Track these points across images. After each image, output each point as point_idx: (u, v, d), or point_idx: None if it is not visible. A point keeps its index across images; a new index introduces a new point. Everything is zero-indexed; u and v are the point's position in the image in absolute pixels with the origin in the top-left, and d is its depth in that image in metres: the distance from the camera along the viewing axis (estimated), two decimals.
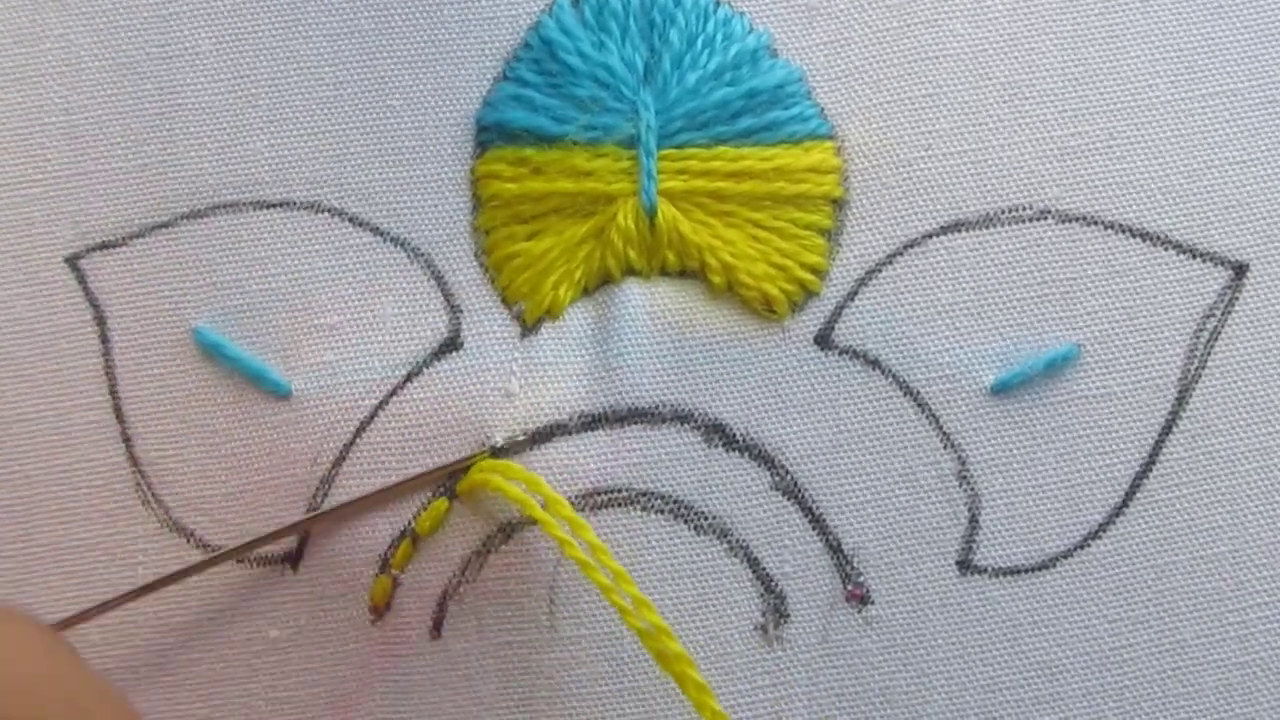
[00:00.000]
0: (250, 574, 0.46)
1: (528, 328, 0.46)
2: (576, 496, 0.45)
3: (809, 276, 0.47)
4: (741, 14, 0.47)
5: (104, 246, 0.47)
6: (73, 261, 0.47)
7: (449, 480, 0.46)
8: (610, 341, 0.46)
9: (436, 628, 0.45)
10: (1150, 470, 0.46)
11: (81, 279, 0.47)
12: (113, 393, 0.47)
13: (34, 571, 0.46)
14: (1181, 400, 0.46)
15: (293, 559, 0.46)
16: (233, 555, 0.44)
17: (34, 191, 0.47)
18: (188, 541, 0.46)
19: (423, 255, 0.47)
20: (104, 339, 0.47)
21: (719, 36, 0.47)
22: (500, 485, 0.44)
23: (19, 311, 0.47)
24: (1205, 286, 0.46)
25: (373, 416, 0.46)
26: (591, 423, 0.46)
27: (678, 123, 0.46)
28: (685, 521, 0.45)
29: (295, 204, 0.47)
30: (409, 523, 0.46)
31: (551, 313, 0.46)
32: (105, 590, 0.46)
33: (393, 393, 0.46)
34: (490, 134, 0.47)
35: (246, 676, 0.46)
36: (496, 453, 0.45)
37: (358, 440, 0.46)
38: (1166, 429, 0.46)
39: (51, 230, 0.47)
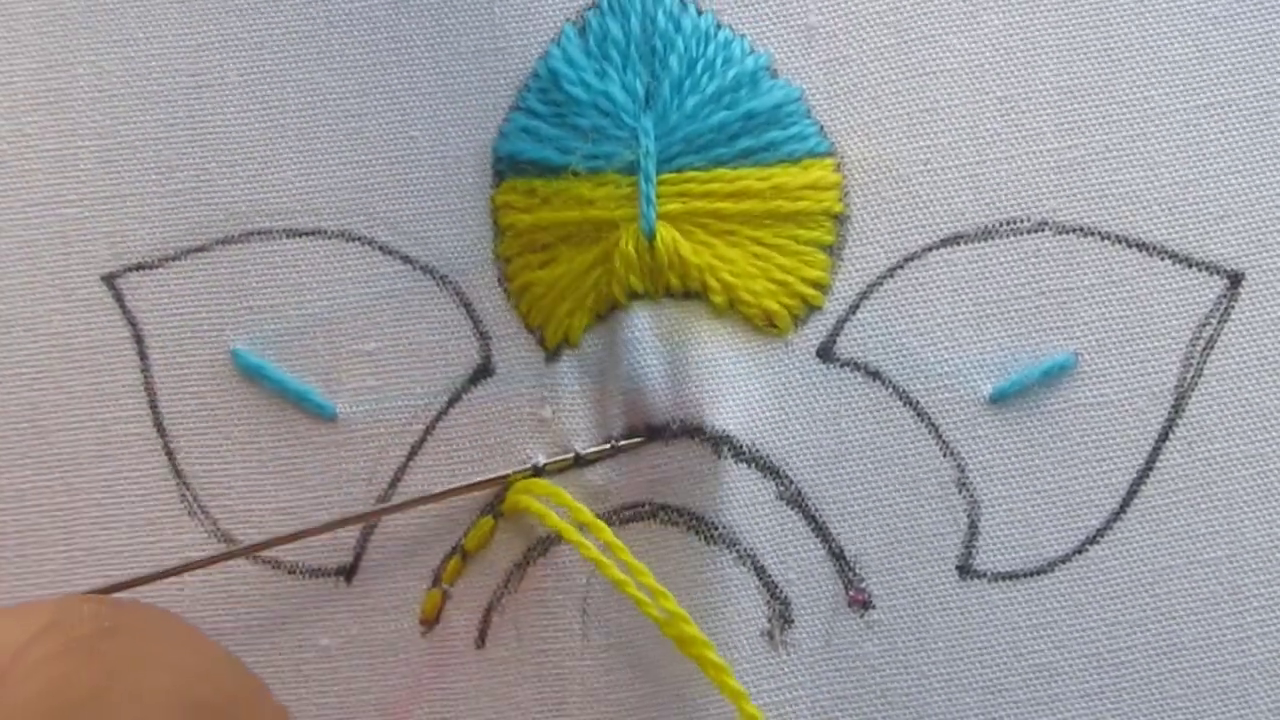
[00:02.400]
0: (302, 584, 0.48)
1: (550, 354, 0.48)
2: (606, 513, 0.47)
3: (810, 291, 0.48)
4: (741, 37, 0.49)
5: (140, 267, 0.49)
6: (110, 280, 0.49)
7: (494, 500, 0.48)
8: (622, 364, 0.48)
9: (481, 638, 0.48)
10: (1147, 477, 0.47)
11: (119, 297, 0.49)
12: (153, 407, 0.49)
13: (76, 574, 0.49)
14: (1178, 408, 0.47)
15: (347, 572, 0.48)
16: (293, 540, 0.47)
17: (69, 212, 0.50)
18: None
19: (451, 283, 0.49)
20: (142, 355, 0.49)
21: (719, 60, 0.48)
22: (527, 503, 0.46)
23: (55, 326, 0.49)
24: (1201, 296, 0.47)
25: (423, 440, 0.48)
26: (614, 443, 0.48)
27: (677, 147, 0.48)
28: (697, 533, 0.47)
29: (327, 232, 0.49)
30: (459, 540, 0.48)
31: (569, 339, 0.48)
32: (148, 596, 0.48)
33: (438, 418, 0.48)
34: (504, 165, 0.49)
35: (296, 682, 0.48)
36: (538, 473, 0.48)
37: (410, 464, 0.48)
38: (1163, 436, 0.47)
39: (88, 249, 0.50)
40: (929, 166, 0.48)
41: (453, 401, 0.49)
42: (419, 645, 0.48)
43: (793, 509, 0.47)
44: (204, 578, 0.48)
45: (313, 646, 0.48)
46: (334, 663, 0.48)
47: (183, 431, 0.49)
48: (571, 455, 0.48)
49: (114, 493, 0.49)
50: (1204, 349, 0.47)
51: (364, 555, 0.48)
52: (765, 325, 0.48)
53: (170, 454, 0.49)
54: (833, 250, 0.48)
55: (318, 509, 0.48)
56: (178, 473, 0.49)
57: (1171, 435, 0.47)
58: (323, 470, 0.48)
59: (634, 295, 0.48)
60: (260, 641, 0.48)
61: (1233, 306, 0.48)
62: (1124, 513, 0.47)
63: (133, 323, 0.49)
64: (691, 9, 0.49)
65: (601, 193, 0.48)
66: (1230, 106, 0.48)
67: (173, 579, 0.48)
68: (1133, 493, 0.47)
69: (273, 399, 0.49)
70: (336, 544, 0.48)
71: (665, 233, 0.47)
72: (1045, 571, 0.47)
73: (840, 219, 0.48)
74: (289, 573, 0.48)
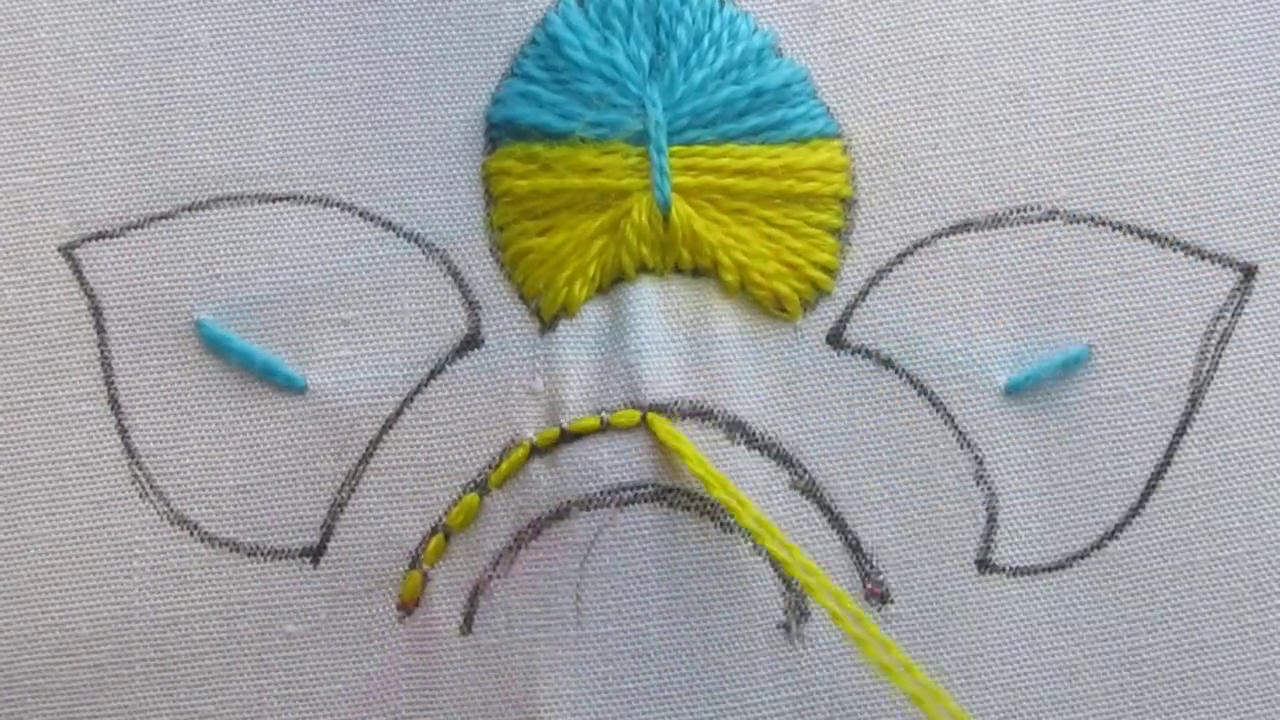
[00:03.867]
0: (263, 566, 0.46)
1: (545, 324, 0.47)
2: (602, 492, 0.46)
3: (821, 275, 0.47)
4: (746, 13, 0.48)
5: (100, 236, 0.47)
6: (67, 251, 0.47)
7: (479, 476, 0.46)
8: (626, 339, 0.46)
9: (467, 623, 0.46)
10: (1165, 471, 0.47)
11: (76, 268, 0.47)
12: (108, 383, 0.46)
13: (17, 563, 0.46)
14: (1194, 401, 0.47)
15: (313, 553, 0.46)
16: None
17: (27, 180, 0.47)
18: (190, 534, 0.46)
19: (438, 251, 0.47)
20: (100, 329, 0.47)
21: (725, 35, 0.48)
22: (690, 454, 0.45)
23: (9, 299, 0.47)
24: (1215, 288, 0.47)
25: (399, 413, 0.46)
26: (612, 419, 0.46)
27: (684, 120, 0.47)
28: (712, 519, 0.46)
29: (302, 197, 0.47)
30: (440, 519, 0.46)
31: (567, 310, 0.47)
32: (97, 581, 0.46)
33: (417, 390, 0.46)
34: (500, 131, 0.47)
35: (257, 672, 0.45)
36: (533, 450, 0.46)
37: (384, 436, 0.46)
38: (1181, 430, 0.47)
39: (45, 219, 0.47)
40: (937, 151, 0.47)
41: (435, 373, 0.47)
42: (396, 631, 0.46)
43: (807, 499, 0.46)
44: (155, 562, 0.46)
45: (276, 633, 0.46)
46: (300, 650, 0.46)
47: (138, 408, 0.46)
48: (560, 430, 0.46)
49: (61, 474, 0.46)
50: (1219, 342, 0.47)
51: (332, 535, 0.46)
52: (775, 309, 0.47)
53: (123, 431, 0.46)
54: (841, 234, 0.47)
55: (280, 485, 0.46)
56: (130, 451, 0.46)
57: (1189, 429, 0.47)
58: (287, 444, 0.46)
59: (642, 269, 0.47)
60: (216, 629, 0.46)
61: (1247, 299, 0.47)
62: (1143, 508, 0.47)
63: (90, 295, 0.47)
64: None
65: (607, 160, 0.47)
66: (1242, 96, 0.48)
67: (122, 566, 0.46)
68: (1151, 487, 0.47)
69: (236, 372, 0.47)
70: (301, 523, 0.46)
71: (680, 206, 0.46)
72: (1065, 566, 0.46)
73: (848, 203, 0.47)
74: (248, 555, 0.46)
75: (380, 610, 0.46)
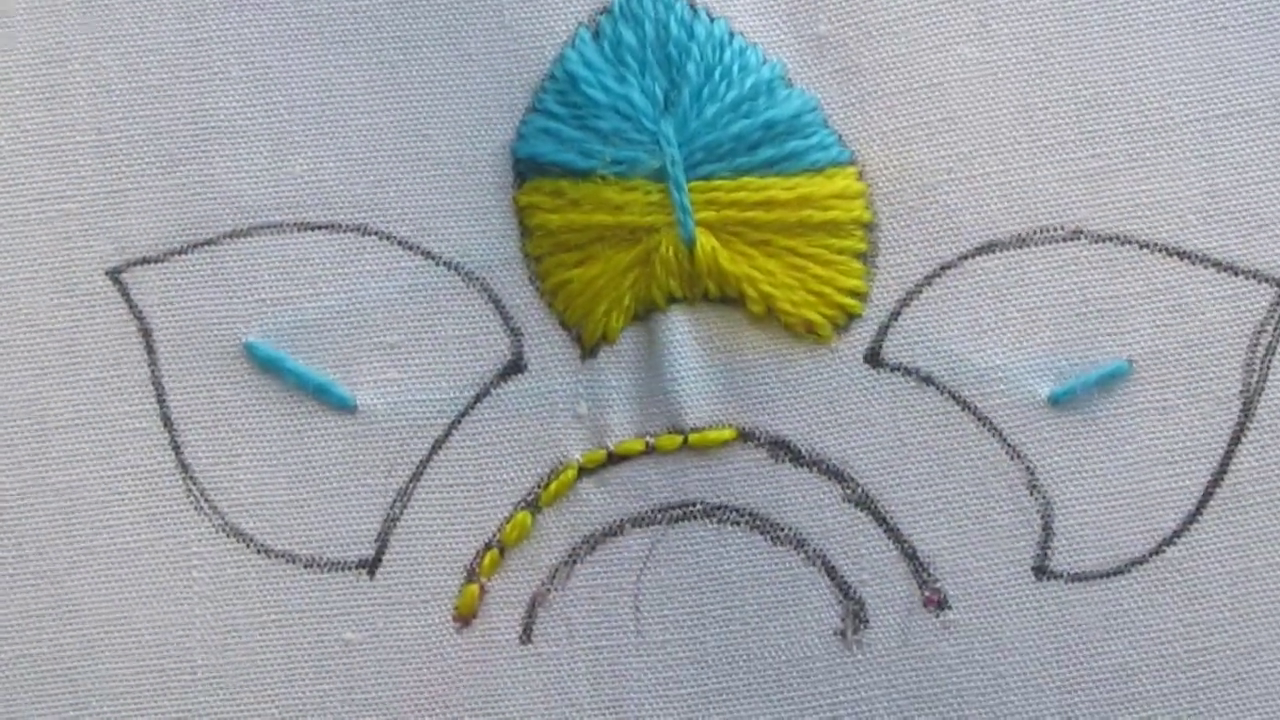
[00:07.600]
0: (320, 577, 0.48)
1: (586, 351, 0.50)
2: (652, 510, 0.48)
3: (849, 300, 0.50)
4: (755, 45, 0.51)
5: (146, 261, 0.50)
6: (114, 275, 0.50)
7: (529, 495, 0.49)
8: (663, 365, 0.49)
9: (527, 633, 0.48)
10: (1222, 479, 0.49)
11: (124, 292, 0.50)
12: (160, 401, 0.49)
13: (76, 575, 0.48)
14: (1247, 412, 0.49)
15: (369, 565, 0.48)
16: None
17: (69, 207, 0.50)
18: (247, 546, 0.48)
19: (477, 279, 0.50)
20: (150, 349, 0.49)
21: (735, 68, 0.51)
22: None
23: (59, 322, 0.49)
24: (1253, 303, 0.50)
25: (448, 434, 0.49)
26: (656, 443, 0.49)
27: (699, 154, 0.50)
28: (761, 533, 0.48)
29: (342, 226, 0.50)
30: (494, 535, 0.48)
31: (607, 338, 0.50)
32: (157, 591, 0.48)
33: (464, 412, 0.49)
34: (525, 166, 0.51)
35: (317, 678, 0.47)
36: (581, 471, 0.49)
37: (434, 455, 0.49)
38: (1235, 440, 0.49)
39: (90, 245, 0.50)
40: (952, 175, 0.51)
41: (481, 396, 0.49)
42: (453, 640, 0.48)
43: (862, 510, 0.49)
44: (213, 572, 0.48)
45: (335, 641, 0.48)
46: (359, 657, 0.48)
47: (190, 425, 0.49)
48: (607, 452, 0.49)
49: (117, 489, 0.49)
50: (1265, 355, 0.49)
51: (387, 548, 0.48)
52: (807, 334, 0.50)
53: (177, 448, 0.49)
54: (866, 258, 0.50)
55: (332, 501, 0.49)
56: (184, 466, 0.49)
57: (1243, 439, 0.49)
58: (338, 461, 0.49)
59: (671, 299, 0.50)
60: (275, 637, 0.48)
61: None
62: (1200, 515, 0.49)
63: (139, 317, 0.50)
64: (703, 16, 0.51)
65: (630, 198, 0.50)
66: (1250, 115, 0.51)
67: (181, 576, 0.48)
68: (1208, 495, 0.49)
69: (284, 391, 0.49)
70: (356, 537, 0.48)
71: (705, 241, 0.49)
72: (1122, 572, 0.48)
73: (870, 227, 0.51)
74: (305, 566, 0.48)
75: (437, 620, 0.48)
